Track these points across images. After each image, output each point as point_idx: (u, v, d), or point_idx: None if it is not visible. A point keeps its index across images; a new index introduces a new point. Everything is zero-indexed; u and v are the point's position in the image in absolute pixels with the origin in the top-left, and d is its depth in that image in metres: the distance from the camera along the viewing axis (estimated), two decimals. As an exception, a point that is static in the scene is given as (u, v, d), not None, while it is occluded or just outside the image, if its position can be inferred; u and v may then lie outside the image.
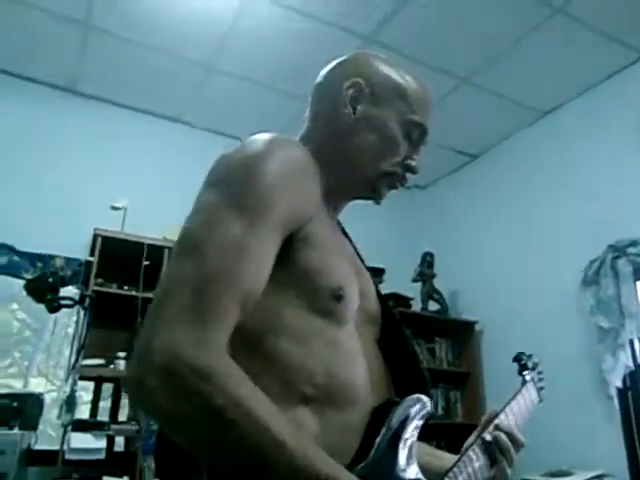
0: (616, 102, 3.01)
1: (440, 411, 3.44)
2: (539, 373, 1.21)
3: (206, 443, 0.62)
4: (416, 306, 3.62)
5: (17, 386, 3.12)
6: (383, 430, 0.77)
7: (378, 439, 0.76)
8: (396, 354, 0.90)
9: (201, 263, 0.68)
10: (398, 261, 3.67)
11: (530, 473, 2.58)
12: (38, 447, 2.55)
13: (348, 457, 0.74)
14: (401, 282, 3.56)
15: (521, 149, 3.61)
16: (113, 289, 2.77)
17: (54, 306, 2.91)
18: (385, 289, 3.43)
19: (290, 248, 0.78)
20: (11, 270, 2.88)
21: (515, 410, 1.01)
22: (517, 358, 1.22)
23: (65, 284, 2.93)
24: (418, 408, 0.81)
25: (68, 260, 2.99)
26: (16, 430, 2.36)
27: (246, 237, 0.70)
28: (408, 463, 0.77)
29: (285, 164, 0.78)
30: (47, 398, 2.80)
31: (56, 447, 2.45)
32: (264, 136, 0.81)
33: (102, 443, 2.50)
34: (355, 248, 0.99)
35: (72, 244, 2.93)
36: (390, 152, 0.92)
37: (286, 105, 3.27)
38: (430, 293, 3.61)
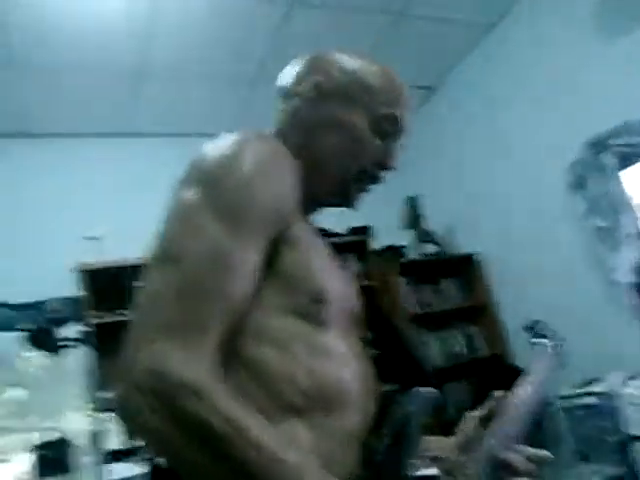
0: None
1: (464, 350, 3.41)
2: (559, 339, 1.12)
3: (198, 463, 0.59)
4: (412, 253, 3.56)
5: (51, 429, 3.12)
6: (385, 431, 0.72)
7: (381, 443, 0.71)
8: (391, 349, 0.86)
9: (184, 275, 0.64)
10: (385, 213, 3.58)
11: (565, 388, 2.57)
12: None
13: (351, 465, 0.70)
14: (392, 233, 3.50)
15: (477, 69, 3.47)
16: (110, 318, 2.73)
17: (56, 349, 2.92)
18: (377, 244, 3.38)
19: (272, 250, 0.72)
20: (8, 326, 2.84)
21: (532, 383, 0.95)
22: (531, 327, 1.14)
23: (66, 323, 2.93)
24: (420, 401, 0.76)
25: (61, 300, 2.95)
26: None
27: (230, 245, 0.66)
28: (417, 461, 0.73)
29: (264, 161, 0.73)
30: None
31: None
32: (238, 133, 0.76)
33: (141, 468, 2.52)
34: (331, 248, 0.92)
35: (61, 283, 2.86)
36: (358, 152, 0.85)
37: (228, 91, 3.15)
38: (423, 236, 3.54)
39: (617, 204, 2.49)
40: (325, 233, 3.07)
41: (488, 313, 3.44)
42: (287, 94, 0.89)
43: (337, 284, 0.81)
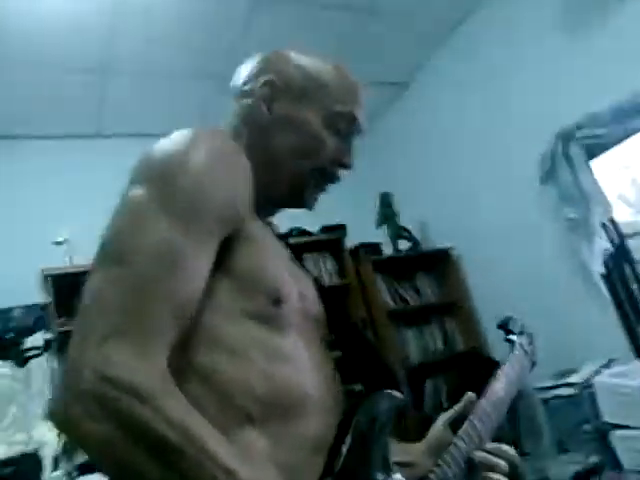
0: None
1: (440, 345, 3.41)
2: (529, 336, 1.14)
3: (144, 474, 0.55)
4: (387, 249, 3.54)
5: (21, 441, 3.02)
6: (349, 436, 0.68)
7: (344, 447, 0.67)
8: (354, 351, 0.82)
9: (132, 273, 0.61)
10: (357, 210, 3.57)
11: (539, 380, 2.58)
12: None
13: (315, 473, 0.66)
14: (366, 230, 3.47)
15: (446, 65, 3.47)
16: (77, 325, 2.64)
17: (21, 359, 2.82)
18: (352, 242, 3.36)
19: (224, 249, 0.69)
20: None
21: (503, 383, 0.95)
22: (502, 325, 1.15)
23: (32, 332, 2.83)
24: (386, 404, 0.73)
25: (28, 308, 2.85)
26: None
27: (178, 242, 0.63)
28: (384, 466, 0.69)
29: (216, 157, 0.71)
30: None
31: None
32: (190, 130, 0.74)
33: None
34: (291, 249, 0.90)
35: (26, 290, 2.76)
36: (314, 150, 0.83)
37: (195, 87, 3.09)
38: (397, 233, 3.52)
39: (588, 195, 2.50)
40: (299, 232, 3.01)
41: (464, 307, 3.44)
42: (240, 93, 0.88)
43: (296, 285, 0.78)
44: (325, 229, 3.34)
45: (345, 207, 3.55)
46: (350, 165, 0.88)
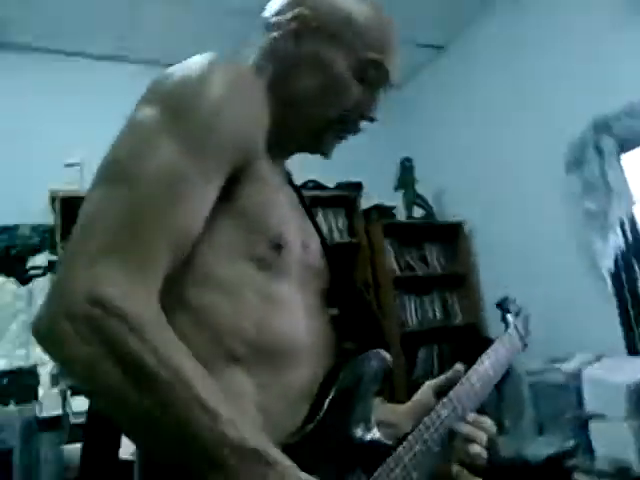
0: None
1: (439, 315, 3.44)
2: (525, 318, 1.15)
3: (124, 399, 0.54)
4: (401, 215, 3.53)
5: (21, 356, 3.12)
6: (333, 390, 0.70)
7: (327, 400, 0.69)
8: (350, 309, 0.82)
9: (132, 194, 0.59)
10: (377, 172, 3.53)
11: (531, 362, 2.61)
12: (46, 414, 2.57)
13: (296, 422, 0.67)
14: (382, 193, 3.45)
15: (488, 34, 3.34)
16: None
17: (24, 278, 2.85)
18: (366, 202, 3.35)
19: (231, 185, 0.67)
20: (-21, 247, 2.76)
21: (492, 360, 0.96)
22: (499, 304, 1.15)
23: (36, 252, 2.85)
24: (374, 364, 0.74)
25: (34, 227, 2.83)
26: (12, 406, 2.36)
27: (186, 169, 0.61)
28: (365, 423, 0.71)
29: (232, 89, 0.68)
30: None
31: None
32: (208, 57, 0.70)
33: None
34: (302, 199, 0.88)
35: (35, 209, 2.75)
36: (337, 96, 0.79)
37: (228, 22, 3.01)
38: (413, 199, 3.50)
39: (612, 188, 2.46)
40: (315, 185, 2.99)
41: (468, 282, 3.46)
42: (268, 25, 0.82)
43: (299, 233, 0.76)
44: (341, 185, 3.32)
45: (365, 166, 3.52)
46: (374, 118, 0.83)
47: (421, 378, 3.22)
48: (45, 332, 0.55)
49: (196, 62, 0.69)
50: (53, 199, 2.60)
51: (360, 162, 3.52)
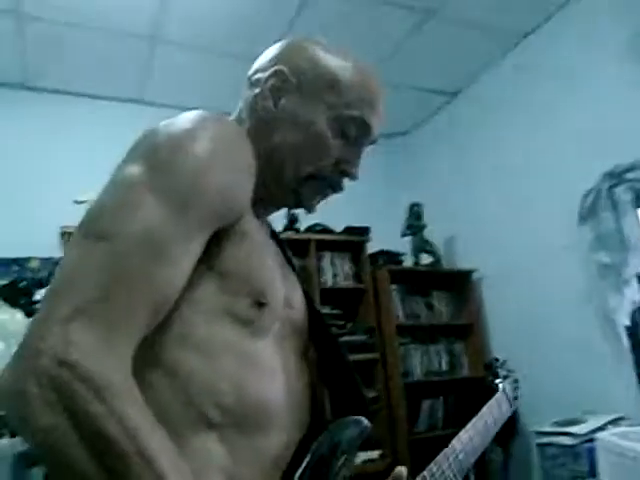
0: (604, 13, 2.74)
1: (445, 366, 3.32)
2: (514, 381, 1.14)
3: (81, 469, 0.51)
4: (408, 261, 3.46)
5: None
6: (306, 460, 0.65)
7: (299, 471, 0.64)
8: (330, 369, 0.79)
9: (112, 254, 0.57)
10: (384, 216, 3.50)
11: (542, 424, 2.48)
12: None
13: None
14: (390, 238, 3.40)
15: (501, 81, 3.34)
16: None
17: (29, 310, 2.84)
18: (373, 247, 3.29)
19: (213, 244, 0.65)
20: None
21: (479, 427, 0.96)
22: (488, 365, 1.14)
23: (43, 286, 2.85)
24: (352, 432, 0.69)
25: (43, 260, 2.88)
26: (5, 440, 2.31)
27: (168, 230, 0.60)
28: None
29: (220, 147, 0.66)
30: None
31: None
32: (197, 113, 0.70)
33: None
34: (285, 251, 0.86)
35: (45, 244, 2.79)
36: (315, 153, 0.77)
37: (241, 69, 3.03)
38: (421, 246, 3.43)
39: (627, 242, 2.38)
40: (322, 229, 2.93)
41: (476, 333, 3.35)
42: (251, 81, 0.82)
43: (283, 290, 0.74)
44: (348, 230, 3.27)
45: (373, 211, 3.49)
46: (355, 176, 0.81)
47: (424, 432, 3.08)
48: (8, 388, 0.52)
49: (184, 117, 0.68)
50: (63, 234, 2.65)
51: (369, 206, 3.49)
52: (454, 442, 0.89)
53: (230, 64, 3.07)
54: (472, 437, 0.92)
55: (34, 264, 2.87)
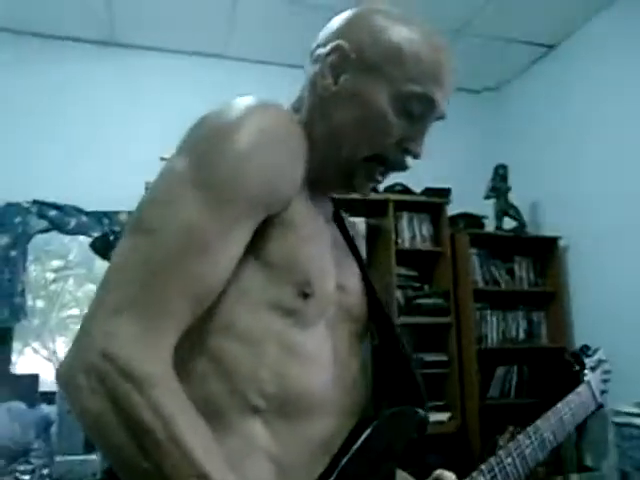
0: None
1: (522, 334, 3.25)
2: (604, 372, 1.03)
3: (126, 463, 0.55)
4: (490, 225, 3.35)
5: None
6: (354, 448, 0.66)
7: (345, 459, 0.65)
8: (388, 356, 0.78)
9: (153, 248, 0.59)
10: (468, 177, 3.38)
11: (621, 404, 2.39)
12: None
13: (313, 475, 0.65)
14: (472, 200, 3.28)
15: (606, 32, 3.04)
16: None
17: None
18: (454, 209, 3.21)
19: (259, 234, 0.66)
20: (81, 231, 2.96)
21: (553, 422, 0.91)
22: (575, 354, 1.04)
23: None
24: (406, 422, 0.69)
25: (131, 214, 3.02)
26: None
27: (211, 225, 0.60)
28: None
29: (264, 137, 0.65)
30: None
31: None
32: (245, 101, 0.68)
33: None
34: (347, 234, 0.85)
35: (132, 198, 2.92)
36: (376, 133, 0.73)
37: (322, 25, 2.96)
38: (505, 209, 3.29)
39: None
40: (402, 189, 2.86)
41: (558, 303, 3.22)
42: (313, 57, 0.78)
43: (336, 276, 0.74)
44: (428, 191, 3.20)
45: (456, 172, 3.38)
46: (418, 154, 0.76)
47: (496, 399, 3.06)
48: (64, 381, 0.57)
49: (231, 106, 0.68)
50: (148, 189, 2.72)
51: (452, 167, 3.38)
52: (521, 437, 0.85)
53: (311, 15, 3.01)
54: (542, 434, 0.88)
55: (122, 217, 3.00)
